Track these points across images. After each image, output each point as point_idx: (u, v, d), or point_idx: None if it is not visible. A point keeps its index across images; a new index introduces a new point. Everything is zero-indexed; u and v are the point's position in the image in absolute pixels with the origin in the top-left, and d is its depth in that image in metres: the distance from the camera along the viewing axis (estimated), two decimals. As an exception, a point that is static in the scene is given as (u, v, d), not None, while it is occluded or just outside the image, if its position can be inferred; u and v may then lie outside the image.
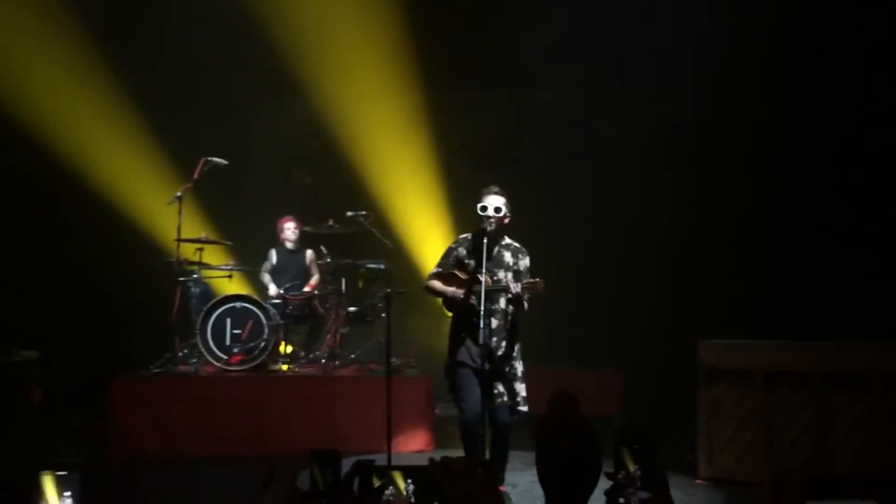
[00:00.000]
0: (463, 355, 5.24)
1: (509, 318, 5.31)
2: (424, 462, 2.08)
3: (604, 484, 2.26)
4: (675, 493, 2.30)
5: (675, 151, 9.02)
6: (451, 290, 5.29)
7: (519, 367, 5.30)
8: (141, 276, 8.38)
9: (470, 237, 5.44)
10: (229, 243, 8.23)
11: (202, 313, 7.44)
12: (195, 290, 7.73)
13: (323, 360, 7.81)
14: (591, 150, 9.39)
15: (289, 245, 8.33)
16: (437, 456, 2.02)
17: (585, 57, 8.65)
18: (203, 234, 7.76)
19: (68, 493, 1.92)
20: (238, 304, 7.55)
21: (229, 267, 8.04)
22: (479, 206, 5.26)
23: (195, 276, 7.73)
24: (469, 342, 5.20)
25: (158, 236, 8.69)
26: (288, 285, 8.08)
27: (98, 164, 8.98)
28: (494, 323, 5.22)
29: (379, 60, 9.11)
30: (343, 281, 8.09)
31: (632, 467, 2.25)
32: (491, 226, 5.21)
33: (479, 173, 9.21)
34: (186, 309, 7.63)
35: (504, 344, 5.26)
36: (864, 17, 7.95)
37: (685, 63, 8.42)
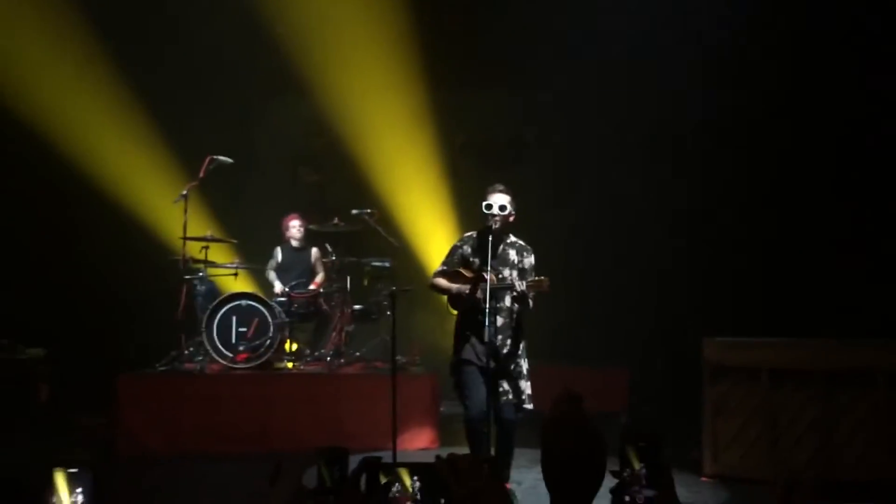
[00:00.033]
0: (468, 353, 5.25)
1: (514, 316, 5.31)
2: (430, 459, 2.09)
3: (609, 482, 2.27)
4: (680, 491, 2.31)
5: (679, 150, 9.02)
6: (455, 286, 5.30)
7: (524, 364, 5.30)
8: (147, 275, 8.40)
9: (475, 235, 5.44)
10: (235, 241, 8.26)
11: (208, 311, 7.46)
12: (201, 288, 7.75)
13: (328, 358, 7.83)
14: (596, 148, 9.39)
15: (294, 243, 8.35)
16: (443, 453, 2.02)
17: (589, 55, 8.63)
18: (209, 233, 7.78)
19: (79, 490, 1.93)
20: (244, 302, 7.58)
21: (235, 265, 8.06)
22: (483, 204, 5.25)
23: (201, 274, 7.75)
24: (474, 340, 5.21)
25: (164, 235, 8.72)
26: (293, 283, 8.10)
27: (104, 163, 9.00)
28: (499, 321, 5.22)
29: (383, 58, 9.11)
30: (348, 279, 8.11)
31: (637, 465, 2.26)
32: (496, 224, 5.21)
33: (483, 171, 9.21)
34: (192, 307, 7.66)
35: (509, 342, 5.26)
36: (865, 17, 7.93)
37: (689, 62, 8.41)
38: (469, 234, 5.54)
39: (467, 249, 5.42)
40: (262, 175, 10.08)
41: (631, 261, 9.20)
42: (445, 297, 5.45)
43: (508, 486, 5.36)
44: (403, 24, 8.90)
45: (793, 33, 8.18)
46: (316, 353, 8.02)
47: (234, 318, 7.52)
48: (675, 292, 8.89)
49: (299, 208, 8.65)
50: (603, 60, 8.64)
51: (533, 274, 5.25)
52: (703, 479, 6.04)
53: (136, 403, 6.99)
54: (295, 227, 8.33)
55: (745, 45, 8.34)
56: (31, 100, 8.66)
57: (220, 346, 7.45)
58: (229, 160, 7.81)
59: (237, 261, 8.20)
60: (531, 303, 5.17)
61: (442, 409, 7.54)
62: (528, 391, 5.25)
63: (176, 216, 7.66)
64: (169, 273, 7.74)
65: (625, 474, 2.26)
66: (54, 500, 1.93)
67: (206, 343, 7.43)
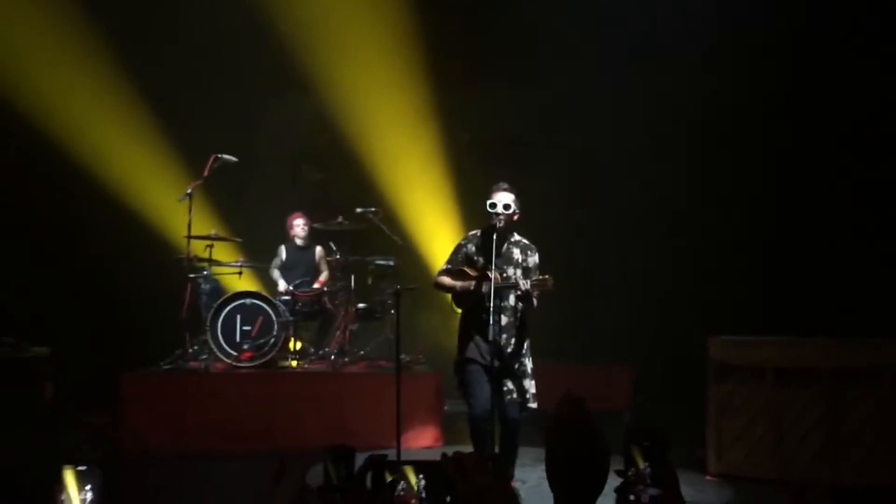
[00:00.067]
0: (472, 352, 5.24)
1: (518, 314, 5.30)
2: (434, 458, 2.09)
3: (614, 481, 2.27)
4: (685, 490, 2.30)
5: (684, 149, 9.01)
6: (460, 284, 5.30)
7: (528, 363, 5.30)
8: (151, 273, 8.40)
9: (479, 234, 5.44)
10: (239, 240, 8.26)
11: (212, 310, 7.47)
12: (205, 286, 7.76)
13: (332, 357, 7.83)
14: (601, 147, 9.37)
15: (298, 242, 8.36)
16: (447, 452, 2.02)
17: (594, 53, 8.63)
18: (213, 231, 7.79)
19: (88, 487, 1.94)
20: (248, 301, 7.59)
21: (239, 263, 8.07)
22: (488, 202, 5.26)
23: (205, 272, 7.75)
24: (478, 339, 5.20)
25: (169, 233, 8.73)
26: (297, 282, 8.11)
27: (108, 162, 9.01)
28: (504, 320, 5.22)
29: (388, 56, 9.10)
30: (352, 277, 8.11)
31: (642, 464, 2.25)
32: (500, 222, 5.21)
33: (488, 170, 9.18)
34: (197, 305, 7.68)
35: (513, 341, 5.26)
36: (865, 16, 7.93)
37: (695, 61, 8.40)
38: (473, 232, 5.53)
39: (471, 248, 5.42)
40: (266, 173, 10.09)
41: (635, 259, 9.19)
42: (450, 296, 5.45)
43: (513, 484, 5.36)
44: (408, 22, 8.89)
45: (793, 33, 8.17)
46: (320, 352, 8.03)
47: (238, 317, 7.53)
48: (679, 291, 8.88)
49: (303, 207, 8.66)
50: (608, 58, 8.63)
51: (537, 272, 5.24)
52: (708, 477, 6.03)
53: (141, 402, 7.01)
54: (299, 226, 8.33)
55: (746, 45, 8.32)
56: (35, 98, 8.67)
57: (224, 345, 7.46)
58: (234, 159, 7.82)
59: (241, 259, 8.21)
60: (535, 301, 5.17)
61: (446, 407, 7.55)
62: (533, 390, 5.24)
63: (180, 215, 7.67)
64: (173, 272, 7.74)
65: (630, 473, 2.26)
66: (63, 497, 1.94)
67: (211, 341, 7.44)
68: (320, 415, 7.13)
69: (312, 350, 8.06)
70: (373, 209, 8.05)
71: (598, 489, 2.19)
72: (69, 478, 1.93)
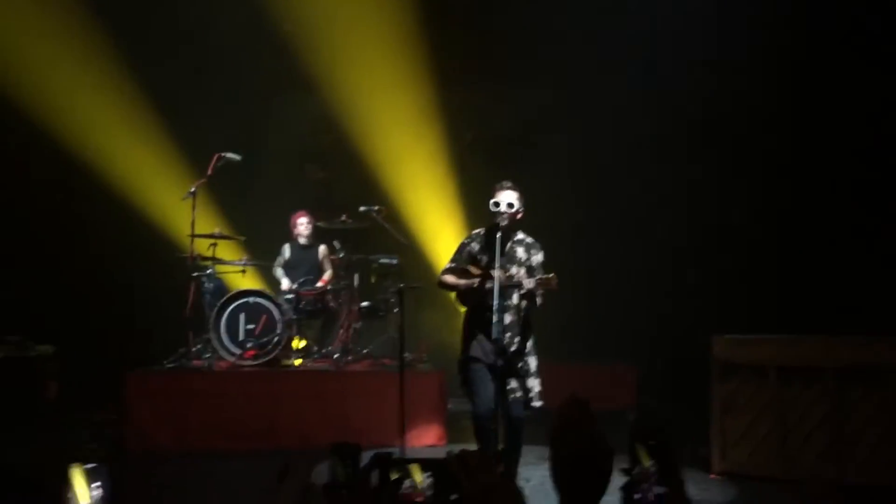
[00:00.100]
0: (476, 350, 5.24)
1: (522, 313, 5.30)
2: (438, 456, 2.09)
3: (620, 479, 2.27)
4: (689, 488, 2.31)
5: (688, 148, 9.00)
6: (464, 283, 5.30)
7: (533, 362, 5.29)
8: (155, 272, 8.42)
9: (483, 232, 5.43)
10: (242, 238, 8.27)
11: (216, 308, 7.48)
12: (209, 285, 7.76)
13: (336, 355, 7.83)
14: (605, 145, 9.37)
15: (302, 240, 8.36)
16: (452, 450, 2.03)
17: (598, 52, 8.62)
18: (217, 230, 7.79)
19: (97, 485, 1.94)
20: (251, 300, 7.59)
21: (243, 262, 8.07)
22: (491, 201, 5.25)
23: (209, 271, 7.76)
24: (482, 337, 5.19)
25: (172, 232, 8.73)
26: (301, 280, 8.12)
27: (112, 161, 9.02)
28: (508, 318, 5.21)
29: (391, 55, 9.10)
30: (356, 276, 8.11)
31: (647, 462, 2.26)
32: (504, 221, 5.20)
33: (491, 168, 9.19)
34: (200, 304, 7.67)
35: (517, 339, 5.25)
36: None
37: (699, 60, 8.39)
38: (477, 231, 5.52)
39: (475, 247, 5.41)
40: (270, 172, 10.08)
41: (639, 258, 9.18)
42: (454, 295, 5.45)
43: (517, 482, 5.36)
44: (411, 21, 8.89)
45: (793, 32, 8.16)
46: (323, 350, 8.03)
47: (241, 316, 7.53)
48: (683, 290, 8.88)
49: (307, 205, 8.65)
50: (613, 57, 8.62)
51: (542, 271, 5.23)
52: (712, 476, 6.03)
53: (145, 400, 7.01)
54: (303, 225, 8.33)
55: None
56: (39, 97, 8.68)
57: (228, 343, 7.47)
58: (238, 157, 7.81)
59: (245, 258, 8.22)
60: (539, 300, 5.16)
61: (449, 406, 7.54)
62: (538, 388, 5.23)
63: (184, 213, 7.67)
64: (177, 270, 7.75)
65: (635, 472, 2.27)
66: (70, 495, 1.94)
67: (214, 340, 7.44)
68: (324, 413, 7.13)
69: (316, 348, 8.06)
70: (376, 208, 8.04)
71: (602, 490, 2.21)
72: (77, 476, 1.94)
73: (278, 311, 7.57)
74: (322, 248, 8.40)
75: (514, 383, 5.19)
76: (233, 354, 7.45)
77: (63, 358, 8.04)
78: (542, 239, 5.46)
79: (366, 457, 2.18)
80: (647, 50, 8.47)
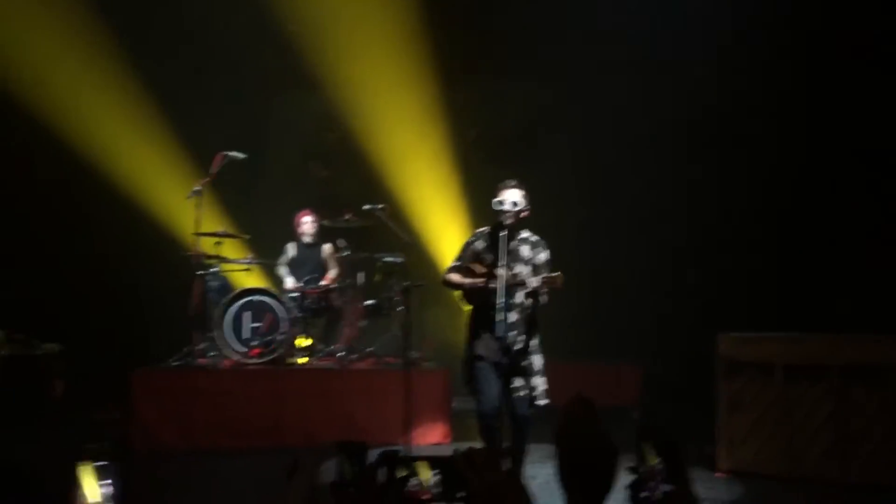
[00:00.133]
0: (481, 349, 5.24)
1: (527, 311, 5.29)
2: (442, 454, 2.10)
3: (626, 478, 2.27)
4: (694, 486, 2.31)
5: (693, 145, 8.99)
6: (468, 281, 5.29)
7: (538, 360, 5.29)
8: (160, 271, 8.43)
9: (487, 231, 5.42)
10: (247, 237, 8.28)
11: (221, 307, 7.49)
12: (214, 283, 7.77)
13: (340, 354, 7.84)
14: (609, 143, 9.36)
15: (306, 239, 8.36)
16: (458, 448, 2.03)
17: (603, 49, 8.61)
18: (221, 228, 7.80)
19: (107, 482, 1.95)
20: (256, 298, 7.60)
21: (247, 260, 8.09)
22: (495, 200, 5.24)
23: (214, 269, 7.76)
24: (487, 336, 5.19)
25: (177, 231, 8.76)
26: (306, 279, 8.12)
27: (117, 160, 9.05)
28: (512, 317, 5.21)
29: (395, 53, 9.10)
30: (360, 274, 8.11)
31: (654, 461, 2.26)
32: (508, 220, 5.20)
33: (495, 166, 9.19)
34: (205, 302, 7.67)
35: (522, 338, 5.25)
36: (877, 15, 7.90)
37: (704, 56, 8.38)
38: (482, 229, 5.52)
39: (480, 245, 5.40)
40: (274, 171, 10.10)
41: (644, 257, 9.17)
42: (458, 293, 5.45)
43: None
44: (415, 19, 8.89)
45: (794, 32, 8.15)
46: (328, 349, 8.04)
47: (247, 314, 7.54)
48: (687, 288, 8.87)
49: (311, 204, 8.65)
50: (618, 54, 8.61)
51: (547, 269, 5.23)
52: (718, 474, 6.03)
53: (151, 398, 7.02)
54: (307, 224, 8.34)
55: (747, 45, 8.31)
56: (43, 96, 8.70)
57: (233, 342, 7.48)
58: (242, 156, 7.81)
59: (250, 256, 8.23)
60: (544, 298, 5.16)
61: (454, 404, 7.54)
62: (543, 387, 5.23)
63: (189, 212, 7.68)
64: (182, 269, 7.76)
65: (641, 470, 2.27)
66: (80, 492, 1.95)
67: (219, 338, 7.45)
68: (328, 411, 7.13)
69: (320, 347, 8.07)
70: (380, 206, 8.04)
71: (608, 489, 2.21)
72: (87, 473, 1.94)
73: (283, 310, 7.58)
74: (326, 247, 8.40)
75: (518, 382, 5.19)
76: (238, 353, 7.46)
77: (69, 356, 8.07)
78: (547, 237, 5.45)
79: (371, 455, 2.18)
80: (659, 45, 8.45)
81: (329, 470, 2.19)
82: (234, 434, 6.93)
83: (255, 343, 7.48)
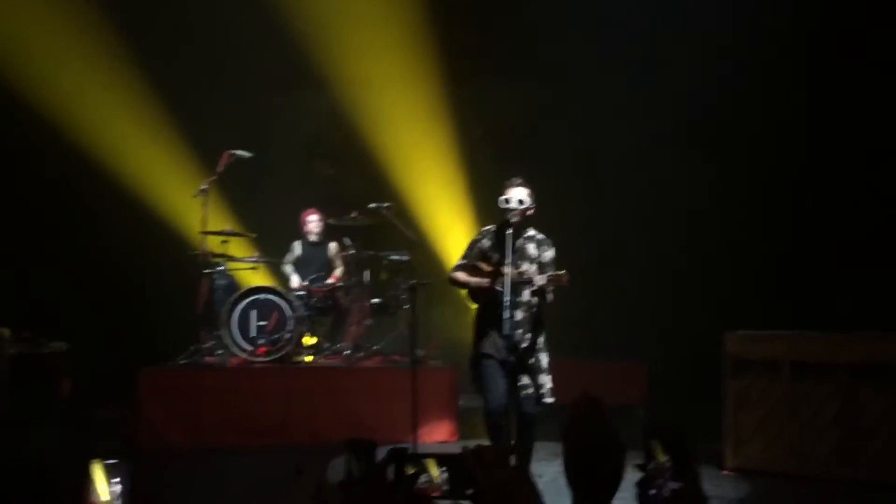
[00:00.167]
0: (487, 347, 5.24)
1: (534, 310, 5.29)
2: (449, 452, 2.10)
3: (634, 475, 2.27)
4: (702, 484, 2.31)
5: (699, 143, 8.97)
6: (475, 280, 5.29)
7: (544, 358, 5.28)
8: (167, 269, 8.46)
9: (494, 229, 5.42)
10: (253, 235, 8.29)
11: (227, 305, 7.50)
12: (220, 282, 7.78)
13: (347, 352, 7.85)
14: (615, 141, 9.34)
15: (312, 238, 8.37)
16: (466, 446, 2.03)
17: (608, 47, 8.60)
18: (228, 227, 7.81)
19: (117, 480, 1.96)
20: (263, 296, 7.62)
21: (254, 259, 8.10)
22: (502, 198, 5.24)
23: (220, 268, 7.78)
24: (493, 334, 5.19)
25: (184, 229, 8.78)
26: (312, 277, 8.13)
27: (123, 159, 9.07)
28: (519, 315, 5.20)
29: (401, 51, 9.11)
30: (366, 273, 8.12)
31: (662, 458, 2.26)
32: (514, 218, 5.19)
33: (501, 164, 9.18)
34: (212, 301, 7.69)
35: (528, 336, 5.24)
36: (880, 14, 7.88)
37: (710, 53, 8.36)
38: (488, 227, 5.51)
39: (486, 243, 5.40)
40: (280, 169, 10.11)
41: (650, 255, 9.16)
42: (465, 291, 5.45)
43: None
44: (420, 17, 8.89)
45: (793, 31, 8.14)
46: (335, 347, 8.05)
47: (253, 312, 7.55)
48: (693, 286, 8.85)
49: (317, 202, 8.66)
50: (623, 51, 8.60)
51: (553, 267, 5.22)
52: (725, 472, 6.02)
53: (158, 397, 7.04)
54: (313, 222, 8.34)
55: (747, 44, 8.29)
56: (49, 95, 8.72)
57: (239, 340, 7.49)
58: (249, 154, 7.83)
59: (256, 255, 8.24)
60: (550, 296, 5.15)
61: (461, 402, 7.54)
62: (549, 385, 5.22)
63: (195, 211, 7.70)
64: (188, 267, 7.78)
65: (649, 467, 2.27)
66: (91, 490, 1.95)
67: (226, 337, 7.47)
68: (335, 410, 7.13)
69: (327, 345, 8.08)
70: (386, 204, 8.04)
71: (615, 486, 2.22)
72: (98, 471, 1.95)
73: (290, 308, 7.59)
74: (332, 245, 8.41)
75: (525, 379, 5.19)
76: (244, 351, 7.48)
77: (76, 355, 8.09)
78: (553, 235, 5.45)
79: (380, 453, 2.18)
80: (665, 42, 8.44)
81: (337, 468, 2.19)
82: (241, 432, 6.94)
83: (261, 341, 7.50)
